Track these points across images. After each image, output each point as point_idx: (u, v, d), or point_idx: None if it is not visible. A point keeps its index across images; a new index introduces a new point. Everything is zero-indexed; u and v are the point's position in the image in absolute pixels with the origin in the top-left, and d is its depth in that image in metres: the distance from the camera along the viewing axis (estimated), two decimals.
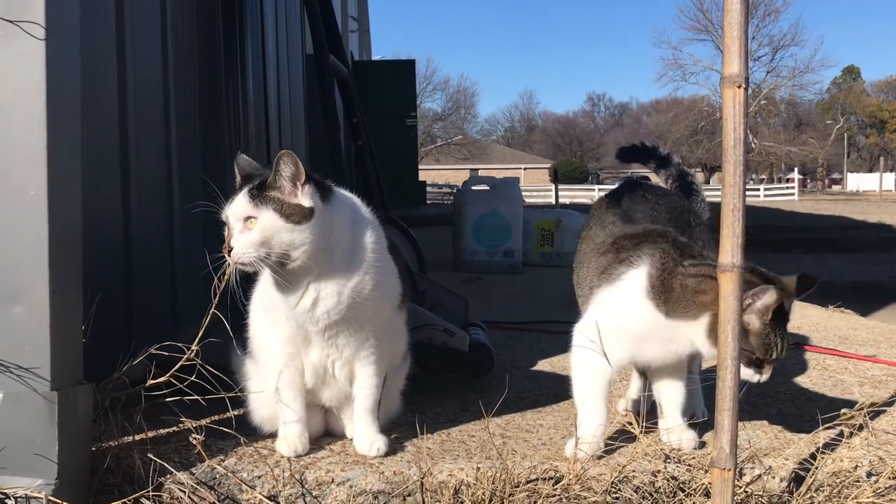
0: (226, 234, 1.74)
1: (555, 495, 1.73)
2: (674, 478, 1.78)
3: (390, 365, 1.96)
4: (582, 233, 2.20)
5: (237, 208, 1.72)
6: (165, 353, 1.84)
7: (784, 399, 2.40)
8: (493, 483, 1.72)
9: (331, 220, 1.76)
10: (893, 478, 1.80)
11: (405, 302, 1.98)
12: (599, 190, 39.09)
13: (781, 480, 1.81)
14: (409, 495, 1.73)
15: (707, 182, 53.51)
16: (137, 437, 1.81)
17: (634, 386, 2.28)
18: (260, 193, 1.71)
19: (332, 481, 1.75)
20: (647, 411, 2.24)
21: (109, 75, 2.37)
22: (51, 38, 1.60)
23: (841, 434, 1.93)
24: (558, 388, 2.54)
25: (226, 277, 1.82)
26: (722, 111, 1.60)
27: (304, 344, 1.85)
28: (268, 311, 1.88)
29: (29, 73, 1.59)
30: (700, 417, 2.05)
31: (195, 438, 1.72)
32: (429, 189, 26.95)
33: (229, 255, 1.71)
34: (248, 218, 1.71)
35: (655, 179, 2.51)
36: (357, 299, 1.79)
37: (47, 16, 1.59)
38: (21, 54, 1.59)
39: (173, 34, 2.92)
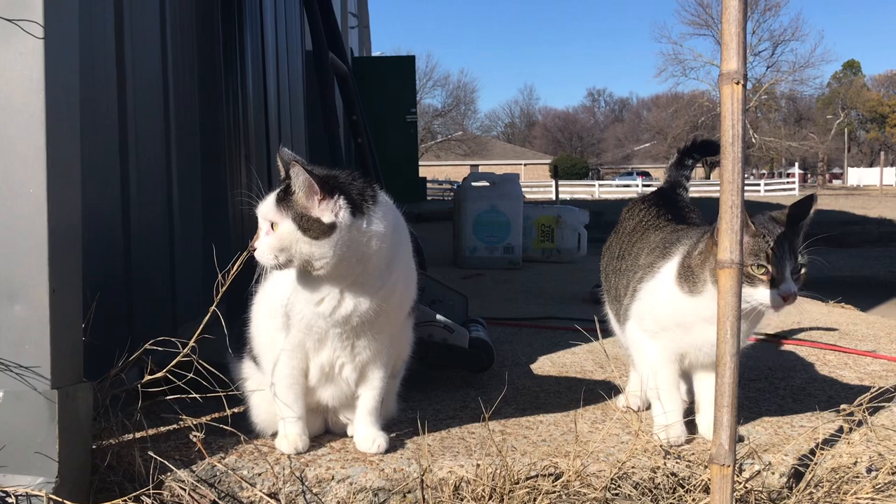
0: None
1: (554, 492, 1.73)
2: (673, 474, 1.78)
3: (393, 369, 1.96)
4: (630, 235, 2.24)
5: (265, 209, 1.70)
6: (161, 349, 1.84)
7: (783, 395, 2.41)
8: (493, 480, 1.73)
9: (365, 233, 1.69)
10: (893, 473, 1.80)
11: (414, 309, 1.97)
12: (600, 186, 39.15)
13: (781, 476, 1.81)
14: (409, 492, 1.74)
15: (707, 177, 53.49)
16: (138, 435, 1.81)
17: (634, 382, 2.29)
18: (285, 198, 1.67)
19: (333, 478, 1.75)
20: (648, 407, 2.25)
21: (108, 74, 2.37)
22: (49, 37, 1.60)
23: (840, 430, 1.94)
24: (558, 385, 2.54)
25: (229, 277, 1.82)
26: (720, 108, 1.60)
27: (318, 346, 1.82)
28: (275, 313, 1.84)
29: (28, 72, 1.59)
30: None
31: (195, 436, 1.72)
32: (429, 185, 26.99)
33: (255, 253, 1.70)
34: (272, 222, 1.68)
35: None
36: (384, 307, 1.77)
37: (45, 14, 1.59)
38: (20, 53, 1.59)
39: (172, 32, 2.92)
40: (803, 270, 1.76)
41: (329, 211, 1.65)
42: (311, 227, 1.65)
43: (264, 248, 1.68)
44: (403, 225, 1.83)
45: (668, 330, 1.94)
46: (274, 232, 1.67)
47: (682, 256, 1.91)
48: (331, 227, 1.65)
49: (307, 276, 1.73)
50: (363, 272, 1.72)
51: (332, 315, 1.75)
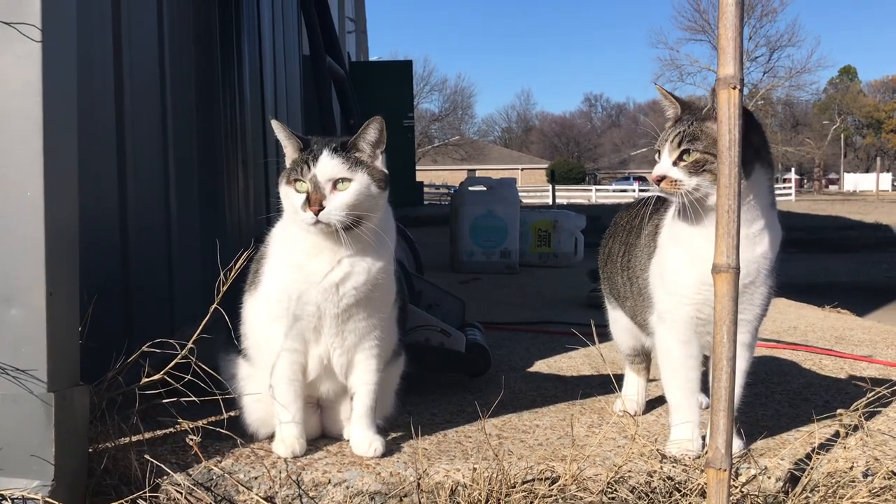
0: (302, 192, 1.72)
1: (551, 496, 1.73)
2: (670, 478, 1.79)
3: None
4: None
5: (328, 169, 1.72)
6: (158, 351, 1.84)
7: (780, 399, 2.41)
8: (490, 484, 1.73)
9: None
10: (888, 478, 1.81)
11: (398, 298, 1.98)
12: (597, 190, 39.19)
13: (777, 481, 1.81)
14: (405, 496, 1.74)
15: None
16: (134, 439, 1.81)
17: (630, 385, 2.29)
18: (351, 155, 1.74)
19: (329, 482, 1.75)
20: (645, 411, 2.26)
21: (106, 78, 2.37)
22: (47, 40, 1.60)
23: (837, 434, 1.94)
24: (555, 389, 2.54)
25: (232, 275, 1.81)
26: (717, 113, 1.60)
27: (314, 335, 1.83)
28: (273, 303, 1.83)
29: (25, 75, 1.59)
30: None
31: (192, 440, 1.72)
32: (426, 189, 27.03)
33: (317, 215, 1.69)
34: (340, 180, 1.72)
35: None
36: (379, 279, 1.81)
37: (43, 17, 1.59)
38: (17, 56, 1.59)
39: (170, 36, 2.92)
40: None
41: (384, 163, 1.78)
42: (381, 178, 1.76)
43: (337, 206, 1.70)
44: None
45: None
46: (341, 191, 1.71)
47: None
48: (388, 179, 1.77)
49: (316, 248, 1.75)
50: (385, 229, 1.80)
51: (328, 279, 1.76)
